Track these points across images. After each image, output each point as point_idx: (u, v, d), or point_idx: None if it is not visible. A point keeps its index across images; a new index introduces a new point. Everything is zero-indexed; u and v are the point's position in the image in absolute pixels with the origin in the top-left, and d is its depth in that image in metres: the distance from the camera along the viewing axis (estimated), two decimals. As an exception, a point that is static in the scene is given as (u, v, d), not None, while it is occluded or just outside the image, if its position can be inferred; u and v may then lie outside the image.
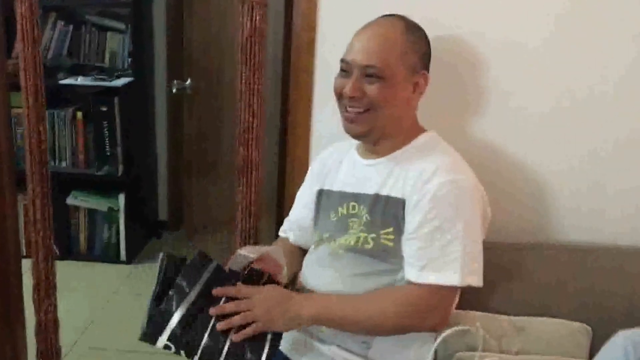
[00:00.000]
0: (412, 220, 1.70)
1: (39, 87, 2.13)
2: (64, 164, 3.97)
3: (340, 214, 1.85)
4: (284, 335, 1.74)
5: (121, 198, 4.01)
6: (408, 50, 1.75)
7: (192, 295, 1.66)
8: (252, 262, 1.74)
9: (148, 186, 4.39)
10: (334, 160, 1.95)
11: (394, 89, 1.73)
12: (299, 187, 2.08)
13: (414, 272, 1.68)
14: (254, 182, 2.21)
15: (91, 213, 4.06)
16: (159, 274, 1.69)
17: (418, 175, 1.71)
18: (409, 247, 1.70)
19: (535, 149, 2.10)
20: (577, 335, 1.86)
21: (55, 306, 2.37)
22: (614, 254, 2.01)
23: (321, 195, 1.94)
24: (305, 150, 2.22)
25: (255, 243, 2.29)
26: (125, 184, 4.01)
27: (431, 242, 1.66)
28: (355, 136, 1.82)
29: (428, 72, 1.80)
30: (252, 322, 1.66)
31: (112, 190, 4.04)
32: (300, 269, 1.96)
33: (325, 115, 2.14)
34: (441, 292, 1.68)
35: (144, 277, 3.93)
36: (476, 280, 1.70)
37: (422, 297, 1.67)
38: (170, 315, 1.64)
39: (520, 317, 1.89)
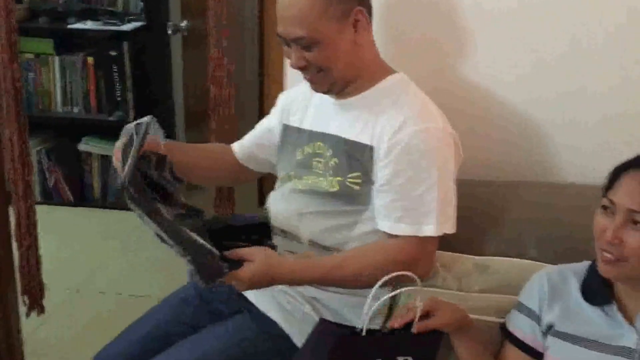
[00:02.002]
0: (383, 170, 1.67)
1: (11, 25, 2.11)
2: (75, 109, 3.98)
3: (305, 152, 1.82)
4: None
5: (133, 144, 4.00)
6: (329, 3, 1.65)
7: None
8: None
9: (165, 132, 4.37)
10: (303, 97, 1.90)
11: (332, 45, 1.66)
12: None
13: (388, 224, 1.67)
14: (226, 119, 2.19)
15: (105, 159, 4.07)
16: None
17: (387, 122, 1.68)
18: (382, 199, 1.68)
19: (517, 90, 2.04)
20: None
21: (37, 244, 2.40)
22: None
23: (287, 130, 1.91)
24: (280, 89, 2.15)
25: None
26: (138, 130, 4.00)
27: (405, 193, 1.65)
28: (322, 93, 1.78)
29: (363, 5, 1.70)
30: None
31: (125, 136, 4.03)
32: (213, 168, 2.01)
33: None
34: (420, 242, 1.66)
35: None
36: (451, 228, 1.69)
37: (403, 249, 1.65)
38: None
39: (484, 257, 1.84)
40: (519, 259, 1.82)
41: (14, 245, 2.41)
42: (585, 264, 1.54)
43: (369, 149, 1.69)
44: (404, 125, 1.65)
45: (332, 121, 1.79)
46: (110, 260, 3.51)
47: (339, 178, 1.73)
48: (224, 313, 1.82)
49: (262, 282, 1.59)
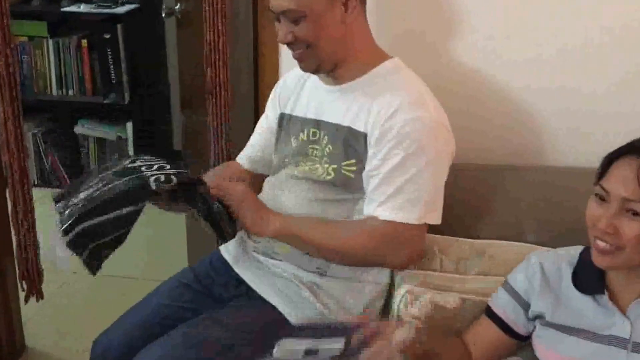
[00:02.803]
0: (374, 156, 1.67)
1: (4, 8, 2.09)
2: (71, 92, 3.97)
3: (301, 140, 1.82)
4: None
5: (129, 127, 4.00)
6: None
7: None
8: None
9: (160, 115, 4.36)
10: (297, 83, 1.89)
11: (320, 21, 1.66)
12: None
13: (372, 207, 1.67)
14: (223, 102, 2.19)
15: (101, 142, 4.07)
16: None
17: (381, 109, 1.67)
18: (370, 184, 1.68)
19: (513, 72, 2.04)
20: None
21: (34, 230, 2.38)
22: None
23: (283, 119, 1.90)
24: (274, 71, 2.17)
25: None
26: (133, 113, 4.00)
27: (392, 180, 1.65)
28: (310, 72, 1.78)
29: None
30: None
31: (120, 118, 4.03)
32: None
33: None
34: (404, 229, 1.65)
35: (154, 207, 3.93)
36: (435, 218, 1.69)
37: (386, 233, 1.66)
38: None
39: (482, 240, 1.85)
40: (516, 243, 1.83)
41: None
42: (578, 249, 1.53)
43: (363, 136, 1.69)
44: (396, 112, 1.65)
45: (327, 108, 1.78)
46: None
47: (334, 166, 1.73)
48: (224, 297, 1.82)
49: (252, 201, 1.70)
